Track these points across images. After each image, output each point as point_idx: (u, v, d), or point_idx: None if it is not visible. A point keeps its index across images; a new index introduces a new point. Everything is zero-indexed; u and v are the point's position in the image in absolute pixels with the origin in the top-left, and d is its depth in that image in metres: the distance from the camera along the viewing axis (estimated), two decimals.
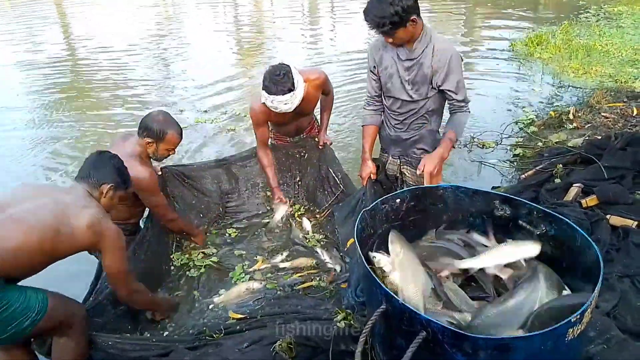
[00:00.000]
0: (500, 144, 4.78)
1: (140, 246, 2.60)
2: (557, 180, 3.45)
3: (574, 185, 3.18)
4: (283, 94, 2.65)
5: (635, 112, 4.64)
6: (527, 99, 5.91)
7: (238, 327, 2.13)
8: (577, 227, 1.59)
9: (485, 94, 6.12)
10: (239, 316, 2.28)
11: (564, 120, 4.83)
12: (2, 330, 1.73)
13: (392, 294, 1.44)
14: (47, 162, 5.07)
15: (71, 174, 4.78)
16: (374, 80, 2.67)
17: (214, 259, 2.86)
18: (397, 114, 2.68)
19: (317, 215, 3.27)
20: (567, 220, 1.64)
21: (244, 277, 2.69)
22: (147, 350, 1.95)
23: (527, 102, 5.80)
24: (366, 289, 1.85)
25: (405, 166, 2.86)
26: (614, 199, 2.96)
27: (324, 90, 3.08)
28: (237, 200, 3.33)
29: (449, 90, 2.47)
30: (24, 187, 2.08)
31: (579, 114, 4.90)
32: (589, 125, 4.64)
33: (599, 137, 4.00)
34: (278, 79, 2.64)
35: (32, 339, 1.99)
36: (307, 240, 3.01)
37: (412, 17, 2.26)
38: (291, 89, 2.66)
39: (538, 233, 1.73)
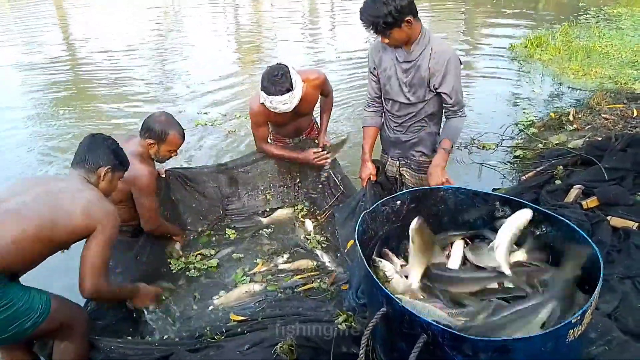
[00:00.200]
0: (500, 145, 4.78)
1: (143, 249, 2.61)
2: (558, 182, 3.45)
3: (574, 186, 3.17)
4: (281, 94, 2.66)
5: (635, 114, 4.64)
6: (527, 101, 5.91)
7: (239, 329, 2.12)
8: (578, 229, 1.59)
9: (485, 96, 6.13)
10: (240, 318, 2.27)
11: (564, 122, 4.83)
12: (3, 330, 1.72)
13: (392, 296, 1.45)
14: (46, 161, 5.09)
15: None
16: (374, 81, 2.67)
17: (214, 261, 2.86)
18: (395, 116, 2.68)
19: (318, 217, 3.27)
20: (567, 221, 1.64)
21: (244, 279, 2.69)
22: (148, 354, 1.94)
23: (527, 104, 5.80)
24: (367, 291, 1.85)
25: (404, 168, 2.87)
26: (615, 200, 2.96)
27: (323, 91, 3.09)
28: (237, 202, 3.33)
29: (444, 94, 2.47)
30: (19, 181, 2.05)
31: (579, 116, 4.90)
32: (589, 126, 4.64)
33: (599, 139, 4.00)
34: (276, 79, 2.65)
35: (34, 341, 1.99)
36: (309, 242, 3.01)
37: (406, 18, 2.27)
38: (289, 89, 2.67)
39: (538, 234, 1.73)
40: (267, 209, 3.35)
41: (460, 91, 2.52)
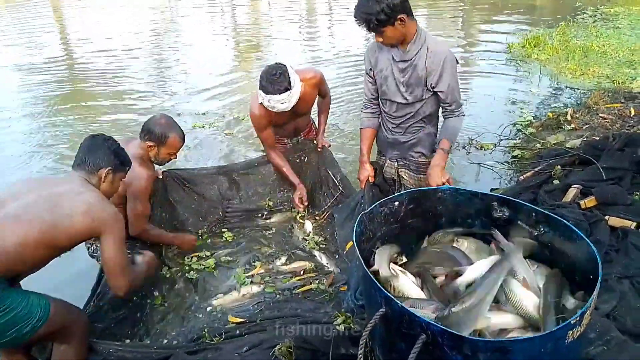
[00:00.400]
0: (498, 145, 4.79)
1: (142, 249, 2.59)
2: (556, 182, 3.45)
3: (572, 186, 3.18)
4: (280, 93, 2.67)
5: (632, 113, 4.65)
6: (525, 101, 5.93)
7: (237, 331, 2.12)
8: (576, 229, 1.59)
9: (483, 96, 6.14)
10: (239, 320, 2.27)
11: (561, 122, 4.84)
12: (1, 335, 1.71)
13: (391, 296, 1.44)
14: (44, 163, 5.09)
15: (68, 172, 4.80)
16: (370, 82, 2.68)
17: (211, 261, 2.84)
18: (393, 117, 2.68)
19: (317, 217, 3.27)
20: (565, 221, 1.64)
21: (245, 281, 2.69)
22: (147, 357, 1.94)
23: (525, 104, 5.81)
24: (365, 292, 1.85)
25: (403, 169, 2.86)
26: (613, 200, 2.96)
27: (321, 91, 3.09)
28: (237, 204, 3.32)
29: (441, 92, 2.48)
30: (19, 184, 2.03)
31: (577, 115, 4.91)
32: (587, 126, 4.65)
33: (597, 138, 4.00)
34: (274, 78, 2.65)
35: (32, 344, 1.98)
36: (307, 243, 3.00)
37: (399, 16, 2.27)
38: (288, 88, 2.67)
39: (536, 234, 1.74)
40: (266, 211, 3.35)
41: (457, 90, 2.53)
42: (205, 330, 2.13)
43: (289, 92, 2.68)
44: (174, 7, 15.17)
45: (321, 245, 2.99)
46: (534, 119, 5.23)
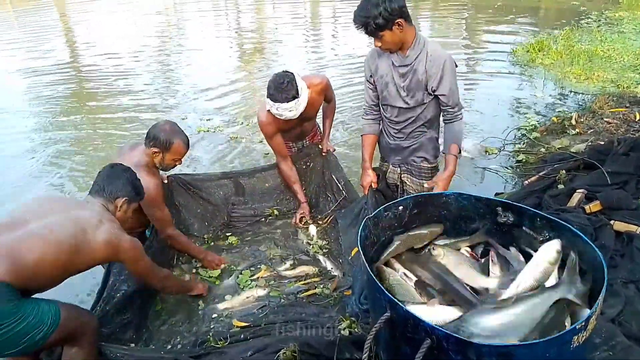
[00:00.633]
0: (503, 150, 4.78)
1: (147, 251, 2.60)
2: (561, 186, 3.45)
3: (577, 191, 3.17)
4: (287, 102, 2.70)
5: (637, 117, 4.65)
6: (530, 105, 5.92)
7: (242, 336, 2.12)
8: (581, 233, 1.59)
9: (488, 100, 6.14)
10: (243, 324, 2.28)
11: (566, 126, 4.83)
12: (15, 344, 1.72)
13: (396, 300, 1.45)
14: (50, 167, 5.12)
15: (75, 177, 4.86)
16: (371, 89, 2.70)
17: (216, 272, 2.84)
18: (395, 122, 2.69)
19: (320, 222, 3.27)
20: (570, 226, 1.64)
21: (250, 284, 2.70)
22: None
23: (530, 108, 5.81)
24: (370, 296, 1.85)
25: (405, 174, 2.87)
26: (618, 204, 2.96)
27: (326, 96, 3.11)
28: (242, 209, 3.34)
29: (443, 95, 2.49)
30: (40, 202, 2.09)
31: (582, 120, 4.91)
32: (592, 130, 4.64)
33: (602, 143, 4.00)
34: (282, 86, 2.68)
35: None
36: (311, 247, 3.01)
37: (397, 21, 2.30)
38: (295, 96, 2.70)
39: (541, 239, 1.73)
40: (271, 217, 3.36)
41: (457, 93, 2.55)
42: (210, 334, 2.14)
43: (296, 100, 2.71)
44: (179, 10, 15.27)
45: (325, 250, 2.99)
46: (538, 123, 5.23)
